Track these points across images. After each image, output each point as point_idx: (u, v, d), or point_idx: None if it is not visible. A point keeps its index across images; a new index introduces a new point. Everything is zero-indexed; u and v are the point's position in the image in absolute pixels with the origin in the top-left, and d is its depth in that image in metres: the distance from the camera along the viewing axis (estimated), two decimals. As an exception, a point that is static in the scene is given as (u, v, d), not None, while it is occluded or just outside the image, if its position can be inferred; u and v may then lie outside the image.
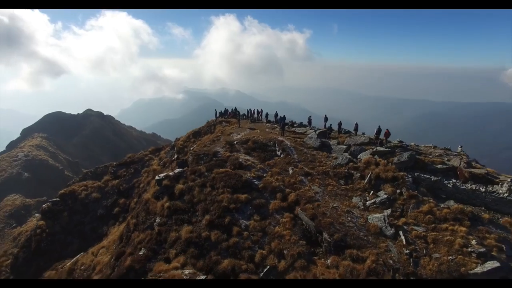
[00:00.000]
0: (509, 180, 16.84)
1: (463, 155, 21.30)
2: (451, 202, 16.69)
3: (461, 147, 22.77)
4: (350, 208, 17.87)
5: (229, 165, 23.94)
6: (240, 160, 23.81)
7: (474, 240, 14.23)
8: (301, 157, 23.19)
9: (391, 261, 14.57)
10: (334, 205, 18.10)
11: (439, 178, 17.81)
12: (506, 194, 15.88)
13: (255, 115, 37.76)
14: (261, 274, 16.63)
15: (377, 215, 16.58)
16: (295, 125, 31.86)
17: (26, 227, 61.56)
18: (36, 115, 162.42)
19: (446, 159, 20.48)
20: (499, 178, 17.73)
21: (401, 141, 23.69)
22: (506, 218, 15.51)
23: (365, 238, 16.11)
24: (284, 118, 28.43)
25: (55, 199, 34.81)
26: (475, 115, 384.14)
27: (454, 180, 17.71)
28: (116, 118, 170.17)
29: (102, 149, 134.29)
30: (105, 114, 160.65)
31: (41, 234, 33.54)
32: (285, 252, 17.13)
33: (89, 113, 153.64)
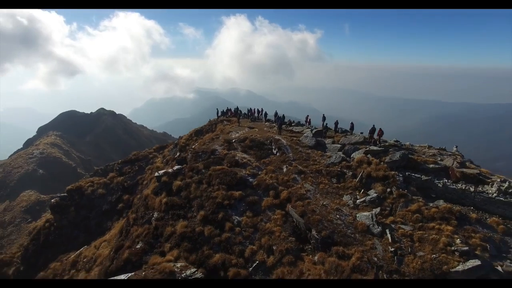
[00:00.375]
0: (498, 180, 16.73)
1: (458, 155, 21.16)
2: (440, 202, 16.71)
3: (456, 147, 22.60)
4: (340, 206, 18.11)
5: (225, 163, 24.46)
6: (237, 158, 24.30)
7: (458, 239, 14.28)
8: (296, 156, 23.49)
9: (375, 259, 14.78)
10: (324, 203, 18.38)
11: (430, 177, 17.82)
12: (495, 194, 15.81)
13: (256, 114, 38.23)
14: (250, 268, 17.10)
15: (365, 213, 16.78)
16: (292, 124, 32.16)
17: (40, 222, 63.85)
18: (51, 113, 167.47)
19: (439, 159, 20.41)
20: (491, 179, 17.61)
21: (397, 141, 23.68)
22: (493, 218, 15.46)
23: (352, 235, 16.34)
24: (282, 117, 28.76)
25: (63, 194, 36.16)
26: (492, 116, 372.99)
27: (444, 180, 17.69)
28: (127, 117, 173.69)
29: (113, 148, 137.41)
30: (117, 113, 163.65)
31: (49, 228, 34.95)
32: (274, 248, 17.52)
33: (101, 112, 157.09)
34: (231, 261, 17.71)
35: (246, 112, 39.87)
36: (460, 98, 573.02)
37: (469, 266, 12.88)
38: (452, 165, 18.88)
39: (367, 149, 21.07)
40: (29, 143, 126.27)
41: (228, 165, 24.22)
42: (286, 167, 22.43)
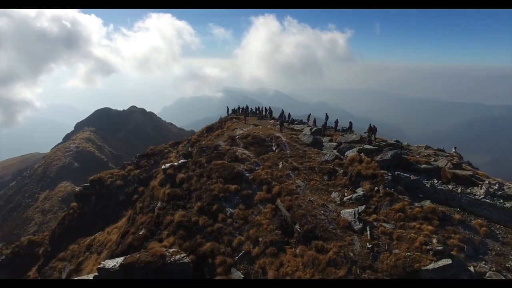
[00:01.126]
0: (487, 182, 16.22)
1: (455, 156, 20.57)
2: (427, 202, 16.54)
3: (455, 148, 21.92)
4: (327, 203, 18.49)
5: (227, 158, 25.56)
6: (237, 154, 25.32)
7: (435, 239, 14.20)
8: (293, 153, 24.05)
9: (351, 254, 15.09)
10: (312, 199, 18.85)
11: (419, 177, 17.63)
12: (482, 196, 15.40)
13: (263, 112, 39.00)
14: (236, 257, 18.05)
15: (349, 210, 17.05)
16: (295, 122, 32.60)
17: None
18: (88, 110, 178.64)
19: (433, 159, 20.01)
20: (485, 181, 17.06)
21: (397, 141, 23.40)
22: (478, 220, 15.10)
23: (334, 231, 16.70)
24: (283, 115, 29.37)
25: (85, 184, 39.25)
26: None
27: (433, 180, 17.41)
28: (158, 115, 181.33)
29: (143, 144, 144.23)
30: (147, 110, 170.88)
31: (73, 214, 38.16)
32: (260, 239, 18.33)
33: (133, 110, 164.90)
34: (220, 249, 18.79)
35: (254, 110, 40.79)
36: (505, 100, 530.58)
37: (440, 265, 12.87)
38: (445, 166, 18.49)
39: (361, 147, 21.12)
40: (67, 137, 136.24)
41: (229, 160, 25.30)
42: (282, 163, 23.08)
